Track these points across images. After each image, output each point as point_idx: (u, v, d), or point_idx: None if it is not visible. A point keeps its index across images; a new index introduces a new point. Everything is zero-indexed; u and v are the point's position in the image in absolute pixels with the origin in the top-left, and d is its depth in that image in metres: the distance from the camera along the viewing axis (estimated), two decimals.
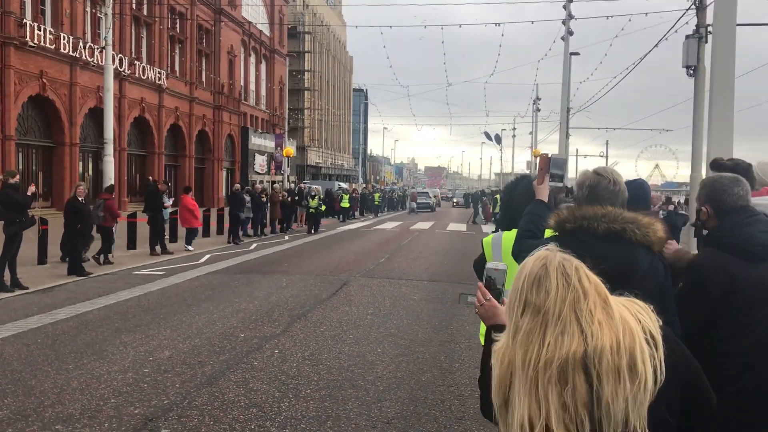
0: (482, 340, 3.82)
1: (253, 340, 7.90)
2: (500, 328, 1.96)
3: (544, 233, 3.19)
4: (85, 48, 28.88)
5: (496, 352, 1.69)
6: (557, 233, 2.91)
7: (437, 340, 8.05)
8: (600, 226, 2.80)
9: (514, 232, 3.66)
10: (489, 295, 2.14)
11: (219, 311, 9.58)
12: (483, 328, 3.83)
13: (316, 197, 27.00)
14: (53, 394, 5.76)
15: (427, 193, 54.19)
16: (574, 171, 47.49)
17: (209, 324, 8.71)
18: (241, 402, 5.62)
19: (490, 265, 2.23)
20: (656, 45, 18.66)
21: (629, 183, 3.30)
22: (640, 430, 1.58)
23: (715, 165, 3.99)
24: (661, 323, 1.73)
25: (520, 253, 3.21)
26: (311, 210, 26.50)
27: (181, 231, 18.68)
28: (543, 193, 3.30)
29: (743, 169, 3.97)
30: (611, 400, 1.56)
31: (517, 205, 3.69)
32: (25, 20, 25.96)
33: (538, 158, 3.46)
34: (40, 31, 26.39)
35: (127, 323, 8.73)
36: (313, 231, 25.94)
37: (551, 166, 3.30)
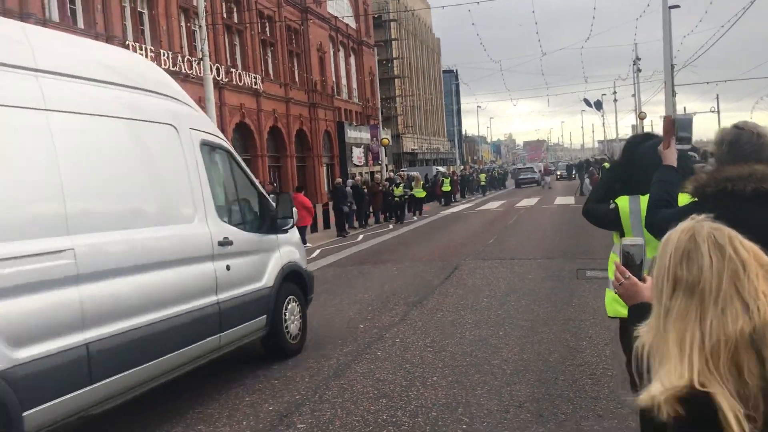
0: (609, 311, 3.63)
1: (372, 330, 7.95)
2: (642, 307, 1.81)
3: (678, 201, 2.97)
4: (183, 61, 30.12)
5: (643, 340, 1.52)
6: (696, 199, 2.70)
7: (560, 318, 7.81)
8: (747, 187, 2.55)
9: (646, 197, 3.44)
10: (628, 273, 1.98)
11: (335, 304, 9.72)
12: (609, 296, 3.63)
13: (401, 185, 26.33)
14: (193, 392, 6.00)
15: (531, 168, 56.00)
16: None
17: (328, 317, 8.85)
18: (370, 393, 5.65)
19: (626, 241, 2.07)
20: None
21: None
22: None
23: None
24: None
25: (653, 224, 2.99)
26: (395, 198, 25.68)
27: None
28: (671, 157, 3.06)
29: None
30: None
31: (639, 166, 3.47)
32: (127, 41, 27.37)
33: (663, 120, 3.22)
34: (141, 50, 27.73)
35: None
36: (399, 222, 24.88)
37: (678, 129, 3.07)
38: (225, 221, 6.22)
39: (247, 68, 37.11)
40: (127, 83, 5.37)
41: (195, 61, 30.11)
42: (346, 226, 21.20)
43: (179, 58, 29.87)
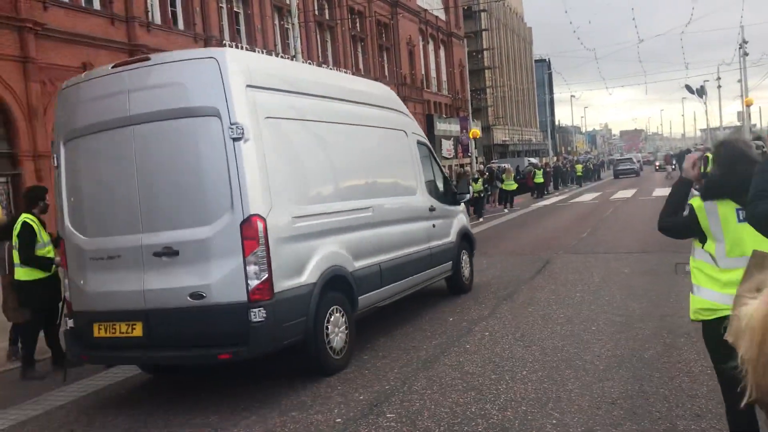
0: (693, 317, 3.47)
1: (461, 323, 7.96)
2: None
3: None
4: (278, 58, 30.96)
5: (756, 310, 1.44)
6: None
7: (657, 314, 7.56)
8: None
9: (727, 202, 3.29)
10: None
11: (424, 297, 9.77)
12: (694, 305, 3.46)
13: (480, 180, 25.32)
14: (287, 381, 6.21)
15: (630, 158, 58.79)
16: None
17: (417, 310, 8.92)
18: (459, 385, 5.68)
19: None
20: None
21: None
22: None
23: None
24: None
25: (756, 215, 2.87)
26: (474, 194, 23.69)
27: None
28: None
29: None
30: None
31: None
32: (224, 41, 28.37)
33: None
34: (237, 49, 28.71)
35: None
36: (479, 216, 23.86)
37: None
38: (430, 195, 9.12)
39: (338, 64, 37.68)
40: (379, 104, 8.32)
41: (288, 58, 30.90)
42: None
43: (273, 55, 30.71)
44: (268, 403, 5.63)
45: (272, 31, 32.13)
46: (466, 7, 61.71)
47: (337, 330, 6.36)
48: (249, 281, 5.40)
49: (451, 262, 9.41)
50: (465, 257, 9.96)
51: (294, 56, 23.62)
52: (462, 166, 43.09)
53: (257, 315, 5.37)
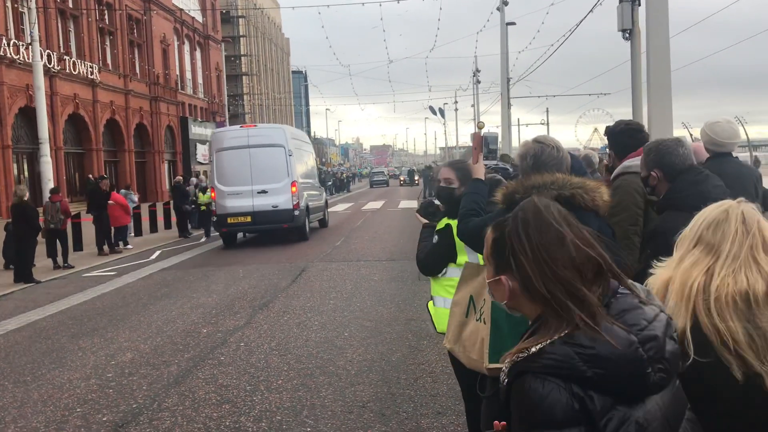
0: (438, 328, 3.77)
1: (216, 334, 7.76)
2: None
3: (484, 210, 3.16)
4: (9, 45, 27.64)
5: (656, 276, 1.95)
6: (506, 206, 2.91)
7: (402, 318, 8.06)
8: (550, 194, 2.81)
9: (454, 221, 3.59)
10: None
11: (177, 308, 9.39)
12: (436, 313, 3.79)
13: (208, 191, 18.75)
14: (14, 409, 5.55)
15: (382, 171, 74.66)
16: (517, 140, 48.10)
17: (169, 322, 8.52)
18: (213, 399, 5.52)
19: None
20: (591, 10, 18.92)
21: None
22: None
23: (612, 130, 4.17)
24: None
25: (464, 232, 3.17)
26: (202, 207, 19.81)
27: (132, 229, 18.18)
28: (479, 171, 3.27)
29: (635, 130, 4.16)
30: None
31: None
32: None
33: (472, 137, 3.44)
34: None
35: (83, 327, 8.48)
36: (205, 237, 19.32)
37: (485, 143, 3.28)
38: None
39: (83, 56, 34.79)
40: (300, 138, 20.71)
41: (23, 45, 27.77)
42: (189, 226, 20.43)
43: (4, 41, 27.39)
44: None
45: (3, 13, 28.65)
46: (224, 11, 60.76)
47: (313, 217, 19.06)
48: (293, 201, 16.64)
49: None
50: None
51: (30, 44, 21.32)
52: None
53: (295, 212, 16.70)
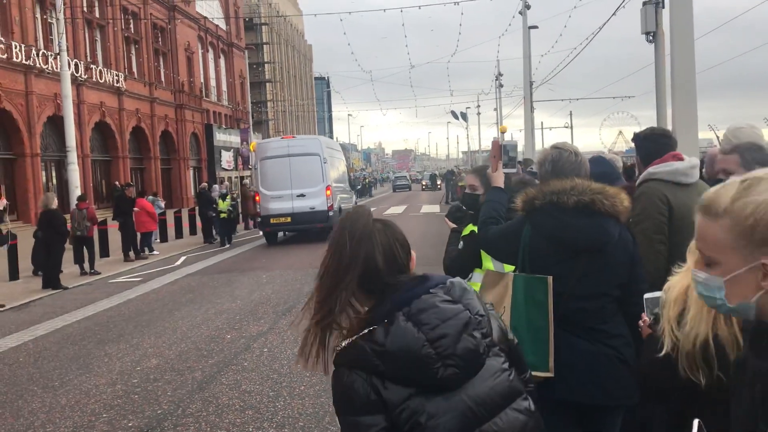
0: None
1: (240, 340, 7.83)
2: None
3: (504, 219, 3.16)
4: (38, 55, 28.16)
5: (674, 282, 2.02)
6: (525, 212, 2.91)
7: None
8: (570, 199, 2.80)
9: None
10: (648, 321, 2.30)
11: (202, 314, 9.48)
12: None
13: (228, 198, 19.78)
14: (42, 413, 5.65)
15: (405, 176, 75.27)
16: (540, 144, 47.84)
17: (193, 328, 8.61)
18: (236, 405, 5.57)
19: (647, 295, 2.36)
20: (614, 13, 18.80)
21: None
22: None
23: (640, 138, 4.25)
24: None
25: (484, 240, 3.18)
26: (222, 215, 19.50)
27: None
28: (499, 179, 3.27)
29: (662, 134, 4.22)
30: None
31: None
32: None
33: (491, 145, 3.43)
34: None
35: (109, 334, 8.60)
36: (227, 242, 19.44)
37: (504, 152, 3.27)
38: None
39: (109, 65, 35.33)
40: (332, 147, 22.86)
41: (51, 55, 28.29)
42: (214, 232, 20.63)
43: (33, 51, 27.92)
44: None
45: (33, 24, 29.22)
46: (247, 19, 61.30)
47: None
48: (327, 204, 18.57)
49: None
50: None
51: (58, 54, 21.71)
52: (242, 178, 42.56)
53: (330, 213, 18.45)
